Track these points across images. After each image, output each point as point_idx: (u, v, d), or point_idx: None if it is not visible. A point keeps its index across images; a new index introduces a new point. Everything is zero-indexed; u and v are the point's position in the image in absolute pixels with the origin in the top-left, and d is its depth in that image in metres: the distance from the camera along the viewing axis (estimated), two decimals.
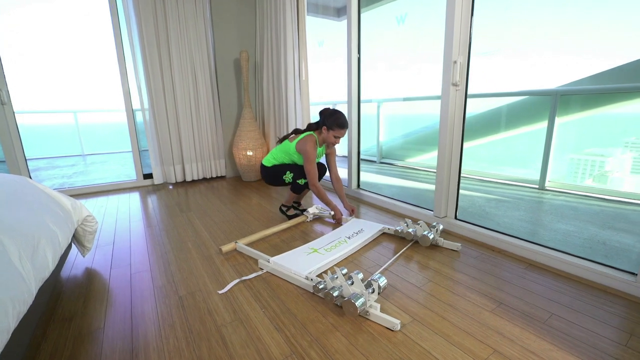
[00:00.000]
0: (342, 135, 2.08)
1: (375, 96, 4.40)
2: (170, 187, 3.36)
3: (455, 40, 1.77)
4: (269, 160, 2.22)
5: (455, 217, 2.00)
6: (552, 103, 2.88)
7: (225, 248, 1.75)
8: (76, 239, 1.67)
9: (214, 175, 3.68)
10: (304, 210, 2.32)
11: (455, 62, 1.80)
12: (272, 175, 2.19)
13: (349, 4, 2.51)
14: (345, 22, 5.24)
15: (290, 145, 2.14)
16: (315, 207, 2.32)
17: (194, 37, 3.22)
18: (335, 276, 1.29)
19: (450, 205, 2.00)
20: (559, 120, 2.86)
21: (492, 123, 3.45)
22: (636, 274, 1.29)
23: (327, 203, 2.09)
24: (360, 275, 1.28)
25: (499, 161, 3.55)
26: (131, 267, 1.64)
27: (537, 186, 3.00)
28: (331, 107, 2.11)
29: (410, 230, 1.81)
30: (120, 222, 2.32)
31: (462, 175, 1.98)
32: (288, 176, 2.14)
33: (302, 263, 1.53)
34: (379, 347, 1.04)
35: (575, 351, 1.01)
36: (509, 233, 1.77)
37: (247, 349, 1.05)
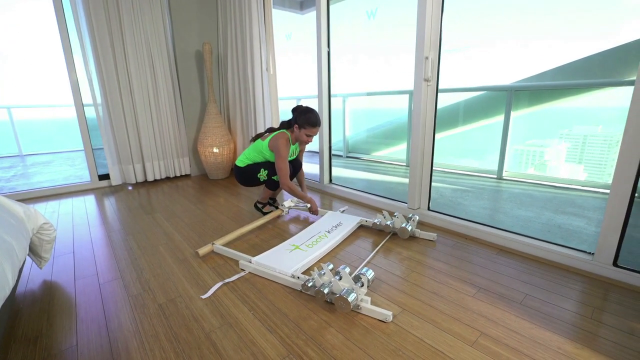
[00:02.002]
0: (314, 134, 2.04)
1: (341, 91, 4.43)
2: (130, 187, 3.15)
3: (426, 36, 1.82)
4: (242, 161, 2.15)
5: (428, 208, 2.08)
6: (507, 98, 3.08)
7: (202, 251, 1.67)
8: (31, 249, 1.50)
9: (178, 174, 3.50)
10: (280, 206, 2.29)
11: (427, 58, 1.85)
12: (246, 175, 2.13)
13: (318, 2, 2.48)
14: (308, 15, 5.18)
15: (263, 143, 2.09)
16: (290, 201, 2.30)
17: (150, 26, 3.00)
18: (323, 272, 1.28)
19: (423, 197, 2.08)
20: (514, 114, 3.08)
21: (454, 117, 3.63)
22: (593, 254, 1.44)
23: (302, 197, 2.07)
24: (347, 270, 1.28)
25: (461, 153, 3.75)
26: (99, 277, 1.52)
27: (495, 176, 3.22)
28: (304, 105, 2.08)
29: (388, 222, 1.85)
30: (79, 228, 2.13)
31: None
32: (262, 174, 2.10)
33: (285, 261, 1.51)
34: (374, 340, 1.06)
35: (551, 327, 1.10)
36: (478, 221, 1.88)
37: (242, 353, 1.01)
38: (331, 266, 1.35)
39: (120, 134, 3.07)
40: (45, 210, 2.52)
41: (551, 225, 2.08)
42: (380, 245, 1.75)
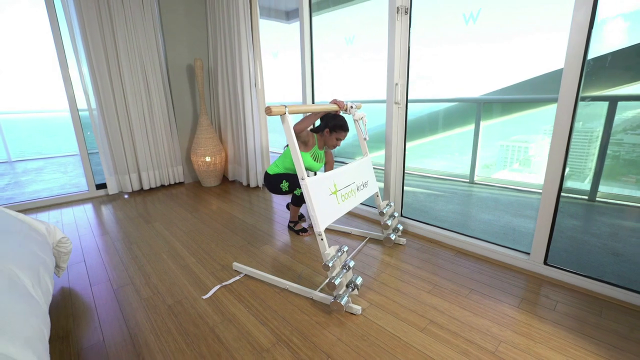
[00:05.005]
0: (344, 138, 2.15)
1: (325, 98, 4.67)
2: (126, 196, 3.34)
3: (396, 66, 2.09)
4: (272, 169, 2.26)
5: (401, 215, 2.36)
6: (477, 109, 3.39)
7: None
8: None
9: (172, 182, 3.70)
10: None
11: (396, 84, 2.12)
12: (272, 183, 2.23)
13: (301, 12, 2.70)
14: (294, 25, 5.41)
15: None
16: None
17: (143, 42, 3.18)
18: (340, 254, 1.47)
19: (397, 205, 2.36)
20: (491, 121, 3.39)
21: (431, 125, 3.92)
22: (529, 253, 1.73)
23: (316, 113, 1.95)
24: (352, 264, 1.49)
25: (438, 159, 4.05)
26: (111, 283, 1.74)
27: (467, 180, 3.53)
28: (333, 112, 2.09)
29: (388, 221, 2.02)
30: (85, 238, 2.33)
31: (405, 172, 2.32)
32: (284, 185, 2.15)
33: (323, 207, 1.54)
34: (346, 329, 1.32)
35: (485, 315, 1.38)
36: (443, 226, 2.16)
37: (240, 342, 1.27)
38: (346, 248, 1.51)
39: (116, 146, 3.25)
40: (49, 221, 2.70)
41: (507, 227, 2.38)
42: (357, 249, 2.02)
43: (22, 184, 4.45)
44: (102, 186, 3.39)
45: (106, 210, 2.91)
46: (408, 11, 1.97)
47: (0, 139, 6.43)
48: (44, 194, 3.56)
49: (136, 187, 3.46)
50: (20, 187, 4.27)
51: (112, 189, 3.34)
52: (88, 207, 3.03)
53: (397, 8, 1.97)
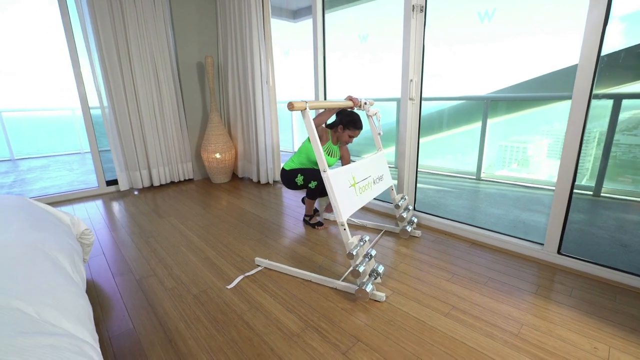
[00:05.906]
0: (356, 136, 2.20)
1: (336, 96, 4.71)
2: (136, 192, 3.36)
3: (411, 62, 2.13)
4: (288, 164, 2.31)
5: (414, 209, 2.40)
6: (484, 107, 3.44)
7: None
8: None
9: (182, 179, 3.72)
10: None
11: (411, 80, 2.16)
12: (287, 178, 2.28)
13: (314, 9, 2.74)
14: (300, 23, 5.43)
15: (305, 142, 2.25)
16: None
17: (154, 40, 3.21)
18: (362, 243, 1.51)
19: (410, 199, 2.40)
20: (497, 119, 3.44)
21: (439, 122, 3.97)
22: (543, 244, 1.78)
23: (331, 109, 2.01)
24: (374, 253, 1.54)
25: (444, 156, 4.10)
26: (134, 274, 1.77)
27: (474, 177, 3.58)
28: (348, 110, 2.15)
29: (403, 213, 2.09)
30: (100, 233, 2.36)
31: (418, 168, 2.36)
32: (299, 178, 2.21)
33: (344, 199, 1.60)
34: (372, 315, 1.36)
35: (505, 300, 1.42)
36: (456, 219, 2.21)
37: (270, 327, 1.30)
38: (368, 237, 1.57)
39: (127, 142, 3.28)
40: None
41: (517, 221, 2.43)
42: (374, 241, 2.06)
43: (28, 181, 4.46)
44: (111, 183, 3.41)
45: (118, 206, 2.93)
46: (423, 9, 2.01)
47: (3, 136, 6.44)
48: (52, 191, 3.57)
49: (146, 184, 3.48)
50: (27, 184, 4.28)
51: (123, 185, 3.36)
52: (99, 203, 3.05)
53: (413, 6, 2.01)
